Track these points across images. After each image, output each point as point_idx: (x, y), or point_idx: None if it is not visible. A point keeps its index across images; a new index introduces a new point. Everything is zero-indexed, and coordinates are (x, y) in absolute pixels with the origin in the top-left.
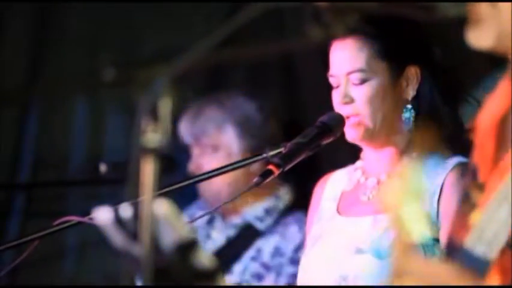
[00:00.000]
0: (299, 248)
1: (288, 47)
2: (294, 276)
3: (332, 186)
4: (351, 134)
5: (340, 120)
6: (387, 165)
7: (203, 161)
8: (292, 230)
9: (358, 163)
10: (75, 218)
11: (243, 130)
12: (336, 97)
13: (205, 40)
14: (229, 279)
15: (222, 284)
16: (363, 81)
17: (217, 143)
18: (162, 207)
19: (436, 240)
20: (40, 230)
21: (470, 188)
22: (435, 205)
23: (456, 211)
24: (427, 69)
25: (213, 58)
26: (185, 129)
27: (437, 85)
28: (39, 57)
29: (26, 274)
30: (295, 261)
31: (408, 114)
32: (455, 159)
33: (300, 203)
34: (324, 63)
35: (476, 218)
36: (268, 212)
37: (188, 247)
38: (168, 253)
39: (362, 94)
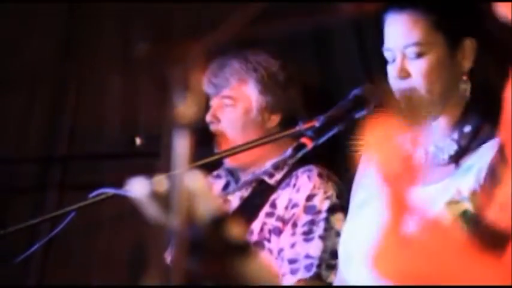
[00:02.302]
0: (311, 197)
1: (320, 20)
2: (310, 223)
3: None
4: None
5: (374, 94)
6: (437, 136)
7: (220, 112)
8: (303, 180)
9: (408, 133)
10: (110, 190)
11: (264, 86)
12: (392, 71)
13: (237, 14)
14: (250, 239)
15: (253, 256)
16: (420, 55)
17: (237, 96)
18: (196, 180)
19: (478, 216)
20: (76, 203)
21: (498, 163)
22: (481, 181)
23: (483, 186)
24: (483, 42)
25: (245, 32)
26: (208, 80)
27: (493, 58)
28: (74, 33)
29: (62, 246)
30: (308, 210)
31: (465, 86)
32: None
33: (310, 157)
34: (357, 37)
35: (500, 191)
36: (277, 167)
37: (221, 220)
38: (202, 226)
39: (419, 68)
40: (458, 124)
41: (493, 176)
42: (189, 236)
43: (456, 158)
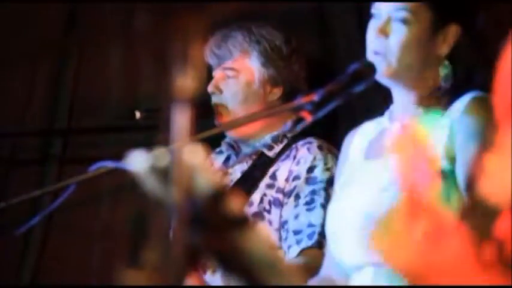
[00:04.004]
0: (312, 168)
1: None
2: (312, 193)
3: (361, 137)
4: (380, 74)
5: (373, 68)
6: (411, 108)
7: (222, 84)
8: (303, 152)
9: (386, 112)
10: (110, 164)
11: (267, 59)
12: (372, 28)
13: None
14: (249, 210)
15: (253, 230)
16: (405, 22)
17: (239, 67)
18: (196, 154)
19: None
20: (76, 176)
21: (488, 126)
22: (454, 138)
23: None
24: (468, 32)
25: (246, 6)
26: (211, 51)
27: (475, 50)
28: (75, 7)
29: (62, 219)
30: (310, 181)
31: (446, 71)
32: (472, 93)
33: (309, 130)
34: (357, 12)
35: (490, 163)
36: (276, 140)
37: (221, 193)
38: (202, 200)
39: (398, 33)
40: (431, 95)
41: (483, 141)
42: (189, 210)
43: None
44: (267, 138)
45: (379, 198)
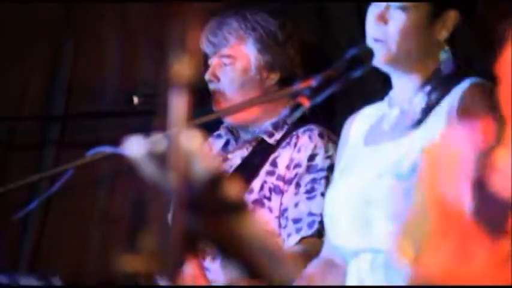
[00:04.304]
0: (313, 156)
1: None
2: (312, 181)
3: (361, 122)
4: (376, 56)
5: (371, 53)
6: (410, 94)
7: (219, 71)
8: (303, 140)
9: (386, 98)
10: (107, 149)
11: (263, 45)
12: (372, 15)
13: None
14: (250, 197)
15: (249, 215)
16: (403, 9)
17: (235, 54)
18: (194, 139)
19: None
20: (74, 161)
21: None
22: (451, 121)
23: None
24: (466, 17)
25: None
26: (206, 38)
27: (474, 35)
28: None
29: (61, 203)
30: (310, 169)
31: (446, 55)
32: (471, 79)
33: (310, 116)
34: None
35: (500, 158)
36: (276, 126)
37: (219, 179)
38: (199, 185)
39: (397, 20)
40: (430, 80)
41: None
42: (187, 195)
43: (427, 110)
44: (267, 125)
45: (377, 184)
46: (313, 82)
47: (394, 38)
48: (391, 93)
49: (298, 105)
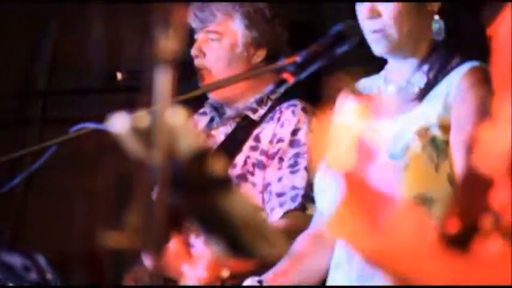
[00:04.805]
0: (296, 131)
1: None
2: (296, 155)
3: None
4: (378, 47)
5: (356, 29)
6: (407, 72)
7: (205, 47)
8: (287, 115)
9: (382, 72)
10: (91, 125)
11: (251, 21)
12: (361, 12)
13: None
14: (233, 172)
15: (235, 191)
16: None
17: (223, 30)
18: (178, 115)
19: (448, 142)
20: (57, 137)
21: (487, 95)
22: (449, 107)
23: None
24: None
25: None
26: (193, 14)
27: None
28: None
29: (44, 180)
30: (294, 144)
31: (438, 25)
32: (470, 63)
33: (293, 91)
34: None
35: (484, 132)
36: (260, 102)
37: (203, 155)
38: (184, 161)
39: (389, 8)
40: (428, 58)
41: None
42: (171, 172)
43: (426, 90)
44: (251, 101)
45: None
46: (297, 58)
47: (392, 25)
48: (387, 69)
49: (282, 81)
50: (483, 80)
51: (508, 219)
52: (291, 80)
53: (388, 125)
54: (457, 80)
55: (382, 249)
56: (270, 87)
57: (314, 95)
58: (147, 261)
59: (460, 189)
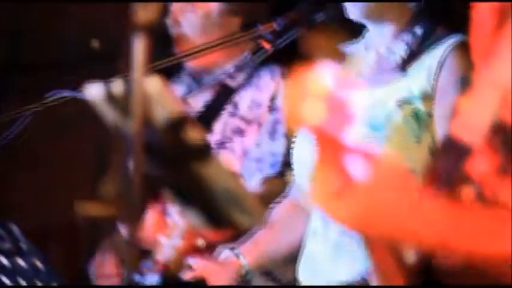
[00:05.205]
0: (275, 96)
1: None
2: (275, 122)
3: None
4: (353, 12)
5: None
6: (387, 40)
7: (180, 17)
8: (265, 80)
9: (362, 39)
10: (67, 93)
11: None
12: None
13: None
14: (212, 139)
15: (213, 158)
16: None
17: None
18: (154, 83)
19: (430, 115)
20: (33, 105)
21: (469, 68)
22: (432, 80)
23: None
24: None
25: None
26: None
27: None
28: None
29: (19, 149)
30: (273, 109)
31: None
32: (454, 37)
33: (272, 57)
34: None
35: (463, 101)
36: (238, 69)
37: (180, 123)
38: (160, 129)
39: None
40: (409, 27)
41: (465, 83)
42: (148, 140)
43: (408, 61)
44: (229, 68)
45: (350, 133)
46: (275, 25)
47: None
48: (367, 36)
49: (259, 49)
50: (466, 53)
51: (489, 191)
52: (268, 47)
53: (367, 94)
54: (441, 54)
55: (363, 211)
56: (247, 54)
57: (294, 60)
58: (123, 230)
59: (438, 158)
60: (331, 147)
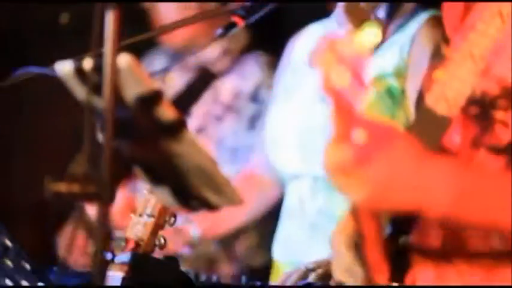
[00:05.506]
0: (258, 86)
1: None
2: (255, 111)
3: (306, 40)
4: None
5: None
6: (360, 13)
7: None
8: (249, 68)
9: (334, 14)
10: (35, 69)
11: None
12: None
13: None
14: (190, 122)
15: (186, 136)
16: None
17: None
18: (125, 60)
19: (404, 91)
20: (1, 82)
21: (441, 41)
22: (405, 56)
23: (427, 66)
24: None
25: None
26: None
27: None
28: None
29: None
30: (255, 99)
31: None
32: (425, 12)
33: (258, 44)
34: None
35: (439, 74)
36: (223, 52)
37: (152, 99)
38: (131, 105)
39: None
40: (380, 3)
41: (436, 54)
42: (119, 117)
43: (382, 38)
44: (215, 51)
45: (321, 109)
46: (247, 1)
47: None
48: (338, 12)
49: (231, 25)
50: (438, 28)
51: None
52: (241, 23)
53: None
54: (414, 30)
55: (378, 186)
56: (218, 31)
57: (278, 47)
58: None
59: (414, 132)
60: (348, 118)
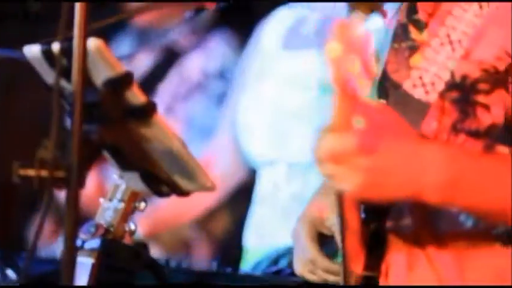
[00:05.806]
0: (224, 63)
1: None
2: (223, 88)
3: (276, 24)
4: None
5: None
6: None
7: None
8: (217, 46)
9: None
10: (4, 52)
11: None
12: None
13: None
14: (157, 103)
15: (156, 120)
16: None
17: None
18: (94, 43)
19: None
20: None
21: (410, 23)
22: (381, 41)
23: (395, 48)
24: None
25: None
26: None
27: None
28: None
29: None
30: (223, 76)
31: None
32: None
33: (225, 19)
34: None
35: (416, 60)
36: (189, 31)
37: (121, 83)
38: (100, 89)
39: None
40: None
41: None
42: (87, 100)
43: None
44: (176, 31)
45: (300, 97)
46: None
47: None
48: None
49: (202, 7)
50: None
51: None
52: (211, 6)
53: (317, 56)
54: (391, 15)
55: (380, 172)
56: (190, 13)
57: (246, 24)
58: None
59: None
60: (350, 106)
